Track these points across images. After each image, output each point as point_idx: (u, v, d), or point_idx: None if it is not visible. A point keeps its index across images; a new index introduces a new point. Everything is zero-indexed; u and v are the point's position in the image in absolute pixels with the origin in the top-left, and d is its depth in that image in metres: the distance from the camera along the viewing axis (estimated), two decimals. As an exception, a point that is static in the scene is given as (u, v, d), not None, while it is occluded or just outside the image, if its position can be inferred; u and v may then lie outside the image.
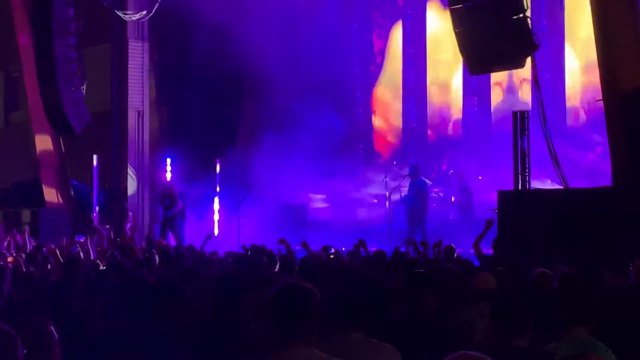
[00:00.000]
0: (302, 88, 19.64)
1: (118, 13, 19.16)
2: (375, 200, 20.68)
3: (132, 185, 21.01)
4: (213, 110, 20.77)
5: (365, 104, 22.93)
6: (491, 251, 10.45)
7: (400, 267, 8.17)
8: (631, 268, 7.20)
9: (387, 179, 19.54)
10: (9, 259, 10.19)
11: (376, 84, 23.23)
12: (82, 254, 10.95)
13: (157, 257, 9.53)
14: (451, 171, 20.01)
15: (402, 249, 11.85)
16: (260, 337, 5.25)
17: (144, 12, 19.30)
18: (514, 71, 17.80)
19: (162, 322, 5.26)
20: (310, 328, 3.68)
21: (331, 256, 10.50)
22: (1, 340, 3.51)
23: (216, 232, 19.28)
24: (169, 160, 21.23)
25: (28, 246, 12.77)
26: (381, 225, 19.22)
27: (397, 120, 22.85)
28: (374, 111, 22.24)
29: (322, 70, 20.03)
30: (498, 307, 4.55)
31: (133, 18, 19.39)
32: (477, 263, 9.35)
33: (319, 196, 21.39)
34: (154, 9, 18.84)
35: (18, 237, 13.45)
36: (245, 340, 5.15)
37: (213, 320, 5.63)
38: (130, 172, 20.99)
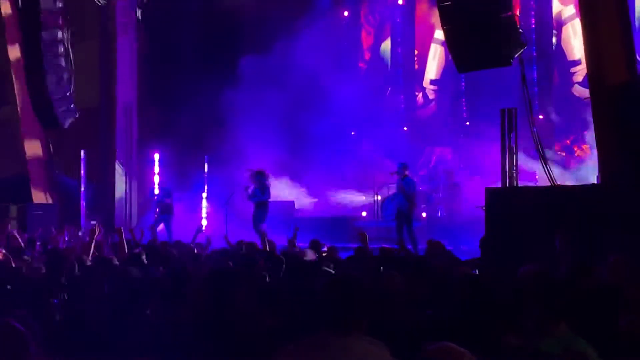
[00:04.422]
0: (290, 85, 19.65)
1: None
2: (364, 198, 20.73)
3: (120, 181, 20.99)
4: (202, 106, 20.76)
5: (353, 101, 22.97)
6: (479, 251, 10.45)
7: (390, 265, 8.18)
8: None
9: (375, 176, 19.65)
10: None
11: (365, 80, 23.27)
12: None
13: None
14: (440, 168, 20.09)
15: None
16: (253, 333, 5.27)
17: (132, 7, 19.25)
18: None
19: (153, 316, 5.27)
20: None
21: (324, 254, 10.48)
22: (11, 337, 3.51)
23: (204, 227, 19.28)
24: (157, 156, 21.23)
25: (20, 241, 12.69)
26: (369, 222, 19.31)
27: (386, 117, 22.89)
28: (363, 107, 22.29)
29: (311, 66, 20.06)
30: (487, 303, 4.57)
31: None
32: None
33: (306, 192, 21.41)
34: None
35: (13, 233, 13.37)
36: (237, 336, 5.16)
37: (204, 316, 5.63)
38: (119, 167, 20.96)
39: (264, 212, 16.61)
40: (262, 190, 16.55)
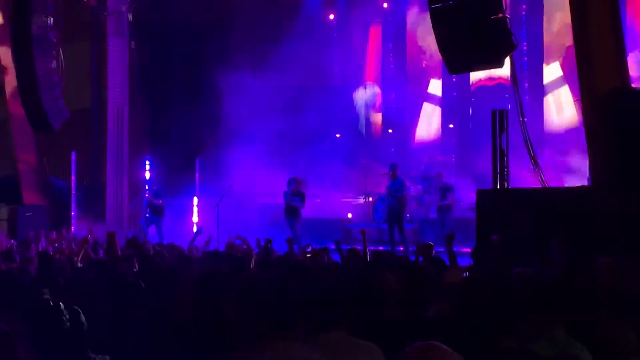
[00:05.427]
0: (282, 86, 19.63)
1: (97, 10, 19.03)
2: (362, 200, 20.75)
3: (111, 183, 20.92)
4: (193, 108, 20.73)
5: (345, 103, 22.99)
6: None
7: (381, 267, 8.16)
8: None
9: (366, 178, 19.64)
10: None
11: (357, 82, 23.29)
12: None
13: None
14: (432, 172, 20.09)
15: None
16: (243, 337, 5.26)
17: (123, 10, 19.21)
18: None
19: (143, 319, 5.25)
20: (293, 321, 3.73)
21: (307, 255, 10.48)
22: None
23: (195, 228, 19.24)
24: (147, 159, 21.19)
25: (4, 243, 12.67)
26: (361, 224, 19.29)
27: (378, 119, 22.92)
28: (354, 109, 22.33)
29: (302, 68, 20.04)
30: (480, 305, 4.56)
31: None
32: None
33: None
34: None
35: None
36: (226, 340, 5.15)
37: (193, 320, 5.62)
38: (110, 169, 20.89)
39: (299, 219, 16.71)
40: (302, 197, 16.69)
